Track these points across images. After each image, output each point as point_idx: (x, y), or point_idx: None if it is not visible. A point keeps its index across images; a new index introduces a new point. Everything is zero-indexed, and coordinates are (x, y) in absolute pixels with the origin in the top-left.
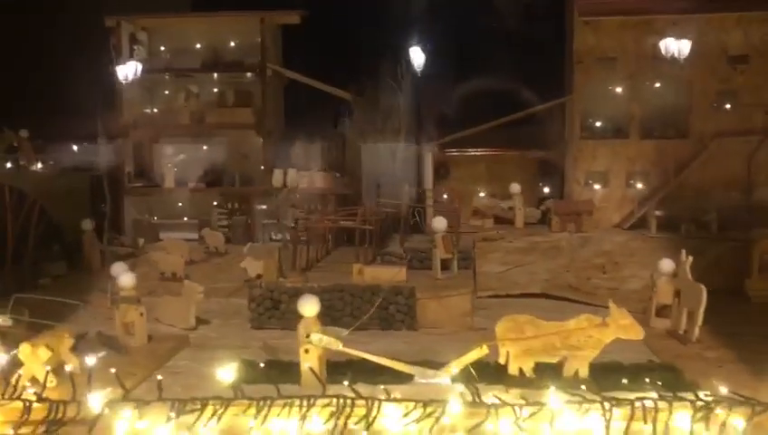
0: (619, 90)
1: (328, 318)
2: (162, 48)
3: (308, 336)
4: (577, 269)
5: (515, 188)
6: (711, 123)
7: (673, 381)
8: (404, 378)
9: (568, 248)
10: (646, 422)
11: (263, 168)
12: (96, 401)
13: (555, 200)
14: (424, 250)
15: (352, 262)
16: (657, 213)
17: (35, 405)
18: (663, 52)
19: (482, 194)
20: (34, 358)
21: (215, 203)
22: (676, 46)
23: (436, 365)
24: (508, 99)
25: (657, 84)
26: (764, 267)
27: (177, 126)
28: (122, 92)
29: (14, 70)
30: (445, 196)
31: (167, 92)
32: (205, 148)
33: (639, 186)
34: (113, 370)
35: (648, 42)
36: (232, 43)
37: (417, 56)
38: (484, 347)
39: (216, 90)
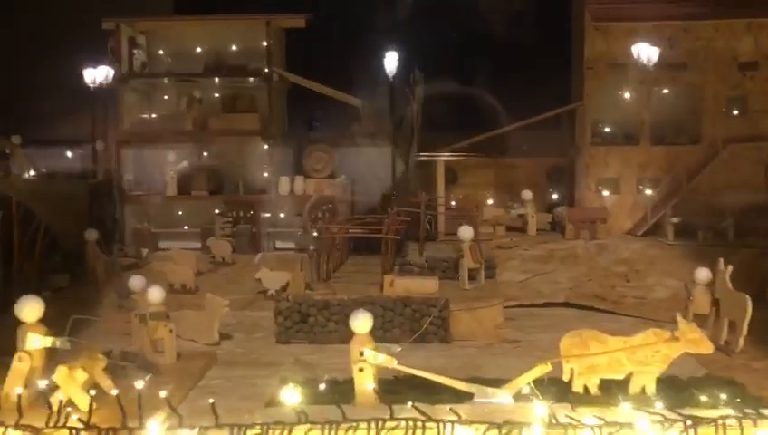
0: (628, 96)
1: None
2: (161, 52)
3: (362, 354)
4: (599, 277)
5: (527, 195)
6: (722, 129)
7: (739, 395)
8: (462, 396)
9: (585, 256)
10: None
11: (266, 175)
12: (155, 427)
13: (568, 207)
14: (446, 259)
15: (369, 272)
16: (674, 220)
17: (83, 433)
18: (635, 56)
19: (490, 202)
20: (71, 381)
21: (217, 211)
22: (647, 52)
23: (485, 381)
24: (514, 106)
25: (668, 90)
26: None
27: (180, 132)
28: (122, 97)
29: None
30: (453, 202)
31: (165, 97)
32: (205, 154)
33: (649, 192)
34: (164, 393)
35: (659, 48)
36: (234, 47)
37: (390, 61)
38: (548, 364)
39: (217, 95)
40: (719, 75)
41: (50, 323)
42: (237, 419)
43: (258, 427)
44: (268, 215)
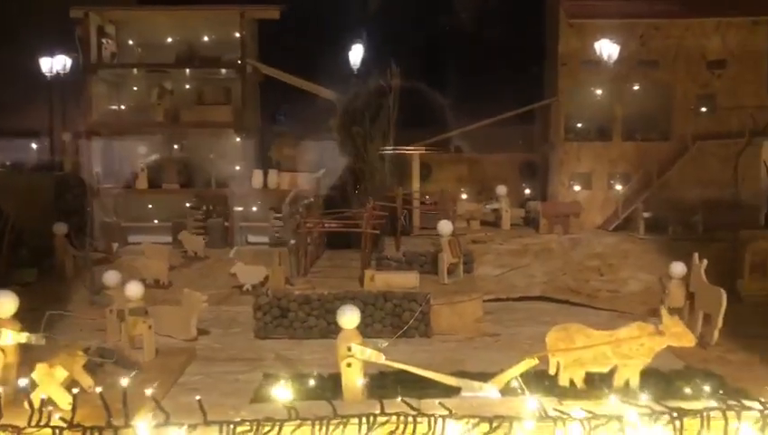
0: (601, 92)
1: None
2: (131, 42)
3: (349, 349)
4: (573, 271)
5: (502, 190)
6: (691, 126)
7: (719, 387)
8: (449, 391)
9: (559, 250)
10: (708, 431)
11: (237, 168)
12: (143, 426)
13: (543, 202)
14: (424, 254)
15: (346, 266)
16: (646, 214)
17: (66, 432)
18: (597, 53)
19: (464, 196)
20: (51, 379)
21: (188, 205)
22: (608, 49)
23: (469, 375)
24: (488, 101)
25: (639, 87)
26: (756, 268)
27: (151, 124)
28: (91, 88)
29: None
30: (427, 197)
31: (135, 88)
32: (176, 147)
33: (619, 187)
34: (149, 391)
35: (631, 45)
36: (206, 38)
37: (355, 54)
38: (535, 358)
39: (188, 86)
40: (689, 73)
41: (18, 318)
42: (222, 415)
43: (248, 424)
44: (240, 209)
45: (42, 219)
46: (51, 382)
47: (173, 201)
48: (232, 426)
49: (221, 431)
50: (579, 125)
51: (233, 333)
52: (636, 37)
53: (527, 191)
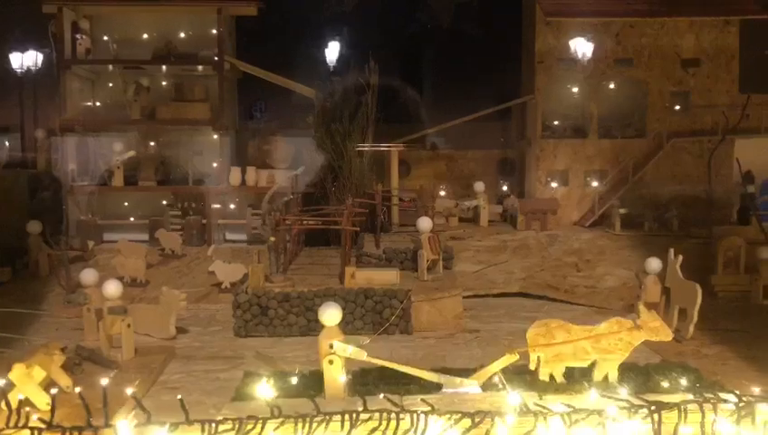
0: (577, 90)
1: (320, 325)
2: (106, 38)
3: (331, 346)
4: (551, 268)
5: (480, 186)
6: (666, 124)
7: (695, 380)
8: (430, 387)
9: (537, 247)
10: (684, 423)
11: (215, 165)
12: (125, 426)
13: (520, 199)
14: (403, 250)
15: (324, 263)
16: (622, 211)
17: (45, 433)
18: (572, 50)
19: (442, 193)
20: (28, 379)
21: (164, 202)
22: (582, 48)
23: (450, 371)
24: (465, 98)
25: (615, 85)
26: (729, 263)
27: (127, 121)
28: (65, 84)
29: None
30: (405, 195)
31: (111, 85)
32: (153, 144)
33: (596, 184)
34: (130, 390)
35: (607, 44)
36: (182, 35)
37: (332, 52)
38: (515, 353)
39: (164, 83)
40: (663, 71)
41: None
42: (203, 414)
43: (230, 422)
44: (218, 206)
45: (15, 218)
46: (28, 383)
47: (149, 199)
48: (214, 425)
49: (203, 430)
50: (555, 123)
51: (212, 331)
52: (612, 35)
53: (504, 188)
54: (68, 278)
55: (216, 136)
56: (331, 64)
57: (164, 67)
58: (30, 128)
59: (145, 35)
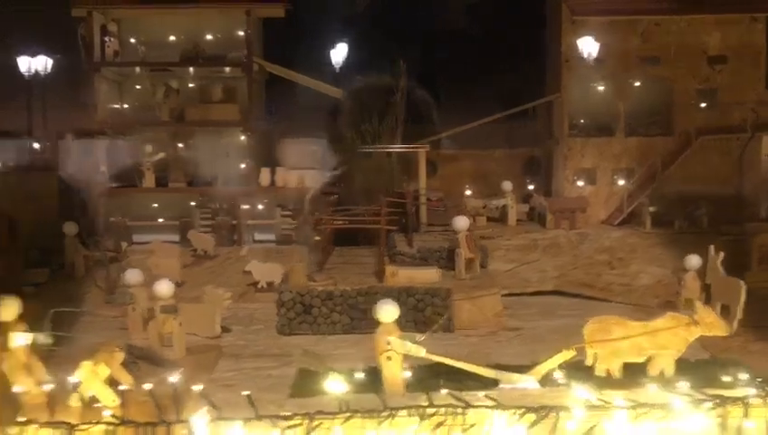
0: (603, 88)
1: (364, 322)
2: (133, 40)
3: (388, 343)
4: (584, 266)
5: (507, 186)
6: (693, 121)
7: (752, 375)
8: (485, 383)
9: (567, 245)
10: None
11: (243, 166)
12: (200, 422)
13: (549, 198)
14: (438, 249)
15: (358, 262)
16: (651, 209)
17: (119, 429)
18: (579, 49)
19: (468, 192)
20: (94, 377)
21: (192, 203)
22: (589, 47)
23: (504, 367)
24: (493, 98)
25: (641, 83)
26: (763, 260)
27: (156, 123)
28: (97, 87)
29: None
30: (434, 194)
31: (138, 87)
32: (181, 145)
33: (622, 182)
34: (198, 387)
35: (632, 42)
36: (209, 37)
37: (338, 53)
38: (572, 349)
39: (192, 85)
40: (689, 69)
41: (33, 318)
42: (263, 409)
43: (299, 417)
44: (247, 207)
45: (47, 219)
46: (95, 380)
47: (178, 200)
48: (286, 419)
49: (274, 425)
50: (582, 121)
51: (254, 329)
52: (637, 34)
53: (531, 187)
54: (107, 279)
55: (243, 137)
56: (337, 66)
57: (191, 69)
58: (52, 132)
59: (172, 37)
